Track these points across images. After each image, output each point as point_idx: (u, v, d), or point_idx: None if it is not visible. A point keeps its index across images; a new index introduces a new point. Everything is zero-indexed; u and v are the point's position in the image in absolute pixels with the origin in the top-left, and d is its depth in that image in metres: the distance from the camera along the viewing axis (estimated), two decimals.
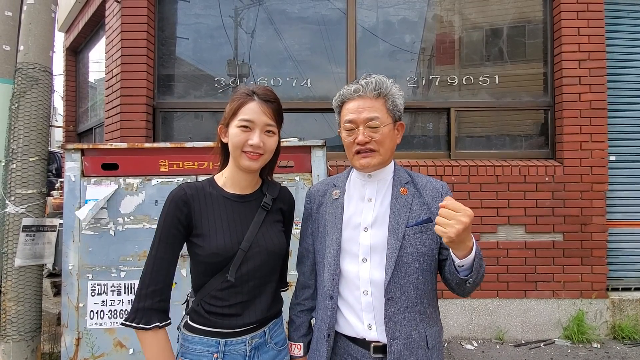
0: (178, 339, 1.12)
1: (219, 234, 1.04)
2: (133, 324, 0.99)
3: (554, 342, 3.08)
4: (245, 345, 1.07)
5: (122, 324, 1.01)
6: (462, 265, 0.95)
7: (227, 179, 1.13)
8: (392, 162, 1.17)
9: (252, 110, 1.06)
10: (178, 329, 1.15)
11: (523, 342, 3.10)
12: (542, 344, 3.05)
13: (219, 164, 1.19)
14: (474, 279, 0.95)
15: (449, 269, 0.99)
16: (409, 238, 1.06)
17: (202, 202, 1.08)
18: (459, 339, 3.15)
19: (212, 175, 1.17)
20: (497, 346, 3.04)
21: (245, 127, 1.05)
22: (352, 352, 1.09)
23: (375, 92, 1.07)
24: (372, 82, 1.07)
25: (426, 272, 1.08)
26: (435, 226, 0.91)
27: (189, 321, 1.09)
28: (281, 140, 1.19)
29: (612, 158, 3.29)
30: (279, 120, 1.12)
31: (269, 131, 1.09)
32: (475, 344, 3.06)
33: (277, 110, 1.10)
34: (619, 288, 3.32)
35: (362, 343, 1.08)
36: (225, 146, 1.13)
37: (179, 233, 1.04)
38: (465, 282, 0.96)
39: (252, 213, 1.12)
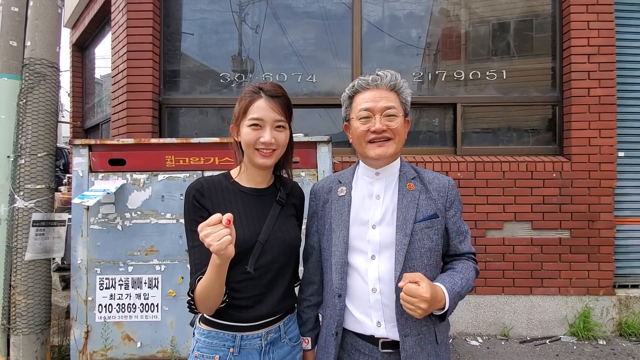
0: (194, 333, 1.13)
1: (237, 226, 1.05)
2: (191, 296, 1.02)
3: (560, 338, 3.07)
4: (261, 340, 1.09)
5: (188, 302, 1.03)
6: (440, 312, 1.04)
7: (242, 174, 1.16)
8: (399, 157, 1.17)
9: (261, 108, 1.07)
10: (191, 324, 1.16)
11: (528, 338, 3.09)
12: (547, 341, 3.04)
13: (234, 159, 1.21)
14: (452, 311, 1.06)
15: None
16: (417, 234, 1.06)
17: (220, 195, 1.10)
18: (464, 335, 3.14)
19: (227, 170, 1.20)
20: (503, 342, 3.03)
21: (256, 125, 1.07)
22: (360, 348, 1.09)
23: (391, 84, 1.09)
24: (388, 75, 1.09)
25: (433, 267, 1.08)
26: (404, 304, 0.96)
27: (205, 314, 1.10)
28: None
29: (621, 154, 3.25)
30: (288, 114, 1.13)
31: (279, 127, 1.10)
32: (481, 340, 3.06)
33: (285, 104, 1.11)
34: (627, 285, 3.29)
35: (370, 339, 1.08)
36: (240, 143, 1.15)
37: (203, 219, 1.04)
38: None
39: (268, 207, 1.14)
